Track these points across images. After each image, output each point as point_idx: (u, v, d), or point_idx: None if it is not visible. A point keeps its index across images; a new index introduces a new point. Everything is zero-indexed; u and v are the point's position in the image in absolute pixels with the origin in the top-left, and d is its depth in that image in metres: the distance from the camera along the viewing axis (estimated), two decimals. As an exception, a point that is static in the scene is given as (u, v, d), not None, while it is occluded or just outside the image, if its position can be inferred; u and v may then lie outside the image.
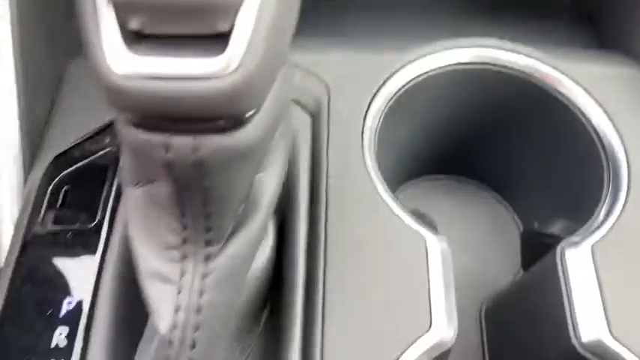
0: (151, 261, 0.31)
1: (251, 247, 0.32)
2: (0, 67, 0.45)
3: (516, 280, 0.51)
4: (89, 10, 0.24)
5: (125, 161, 0.31)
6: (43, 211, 0.43)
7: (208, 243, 0.30)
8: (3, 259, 0.44)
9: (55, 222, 0.42)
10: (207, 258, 0.31)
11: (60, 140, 0.48)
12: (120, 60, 0.24)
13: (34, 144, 0.47)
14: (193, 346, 0.31)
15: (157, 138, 0.26)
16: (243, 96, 0.25)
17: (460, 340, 0.49)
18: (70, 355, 0.37)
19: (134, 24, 0.24)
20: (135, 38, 0.24)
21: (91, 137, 0.47)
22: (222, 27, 0.24)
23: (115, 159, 0.45)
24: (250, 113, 0.27)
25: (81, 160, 0.45)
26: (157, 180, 0.29)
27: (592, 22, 0.64)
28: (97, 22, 0.24)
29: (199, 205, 0.29)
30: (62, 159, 0.46)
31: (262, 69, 0.25)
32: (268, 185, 0.32)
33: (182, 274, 0.31)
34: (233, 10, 0.23)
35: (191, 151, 0.26)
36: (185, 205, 0.29)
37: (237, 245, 0.31)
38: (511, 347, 0.49)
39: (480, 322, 0.54)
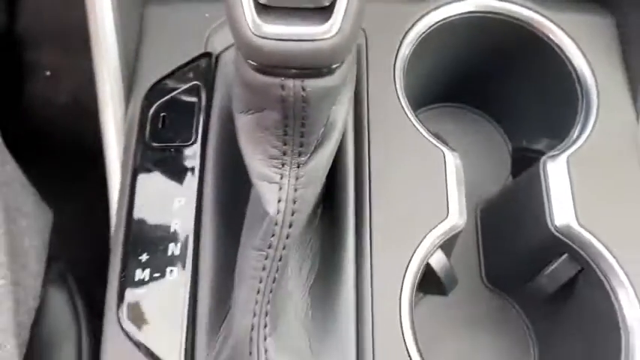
0: (259, 168, 0.44)
1: (328, 158, 0.45)
2: (103, 18, 0.56)
3: (507, 186, 0.65)
4: None
5: (239, 95, 0.43)
6: (147, 133, 0.55)
7: (300, 155, 0.43)
8: (116, 175, 0.57)
9: (159, 141, 0.55)
10: (299, 166, 0.43)
11: (148, 75, 0.59)
12: (255, 25, 0.35)
13: (129, 78, 0.59)
14: (290, 225, 0.44)
15: (274, 80, 0.38)
16: (338, 53, 0.37)
17: (461, 236, 0.63)
18: (189, 236, 0.51)
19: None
20: (264, 9, 0.36)
21: (173, 73, 0.59)
22: (326, 2, 0.35)
23: (198, 90, 0.57)
24: (336, 65, 0.39)
25: (171, 92, 0.57)
26: (266, 109, 0.41)
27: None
28: None
29: (298, 127, 0.41)
30: (155, 90, 0.57)
31: (352, 34, 0.36)
32: (340, 114, 0.45)
33: (282, 177, 0.43)
34: None
35: (300, 89, 0.38)
36: (287, 127, 0.41)
37: (319, 156, 0.44)
38: (500, 237, 0.64)
39: (476, 219, 0.68)
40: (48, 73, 1.47)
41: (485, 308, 0.64)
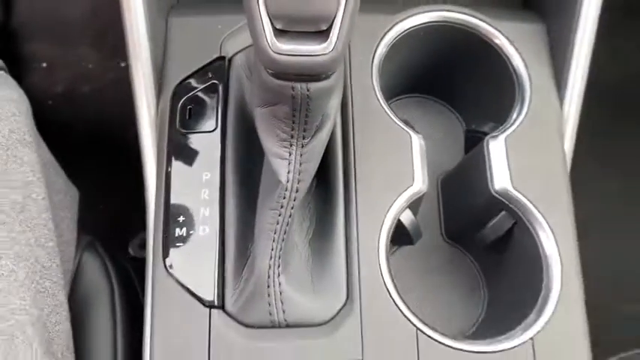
0: (272, 148, 0.57)
1: (324, 140, 0.59)
2: (138, 29, 0.69)
3: (460, 162, 0.80)
4: (256, 17, 0.47)
5: (257, 93, 0.56)
6: (177, 122, 0.69)
7: (304, 138, 0.56)
8: (150, 157, 0.70)
9: (188, 128, 0.69)
10: (303, 146, 0.56)
11: (174, 76, 0.71)
12: (273, 44, 0.48)
13: (159, 77, 0.72)
14: (297, 190, 0.58)
15: (287, 84, 0.51)
16: (333, 64, 0.51)
17: (425, 200, 0.78)
18: (215, 202, 0.65)
19: (279, 25, 0.47)
20: (279, 32, 0.49)
21: (195, 73, 0.72)
22: (325, 27, 0.48)
23: (216, 87, 0.70)
24: (332, 72, 0.53)
25: (194, 89, 0.70)
26: (279, 104, 0.54)
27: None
28: (261, 24, 0.47)
29: (303, 117, 0.54)
30: (181, 88, 0.70)
31: (343, 50, 0.50)
32: (333, 106, 0.58)
33: (290, 154, 0.56)
34: (331, 18, 0.47)
35: (305, 90, 0.52)
36: (295, 117, 0.54)
37: (317, 139, 0.57)
38: (455, 201, 0.78)
39: (437, 188, 0.82)
40: (44, 64, 1.57)
41: (444, 258, 0.78)
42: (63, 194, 0.87)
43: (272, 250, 0.59)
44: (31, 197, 0.72)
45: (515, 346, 0.61)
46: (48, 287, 0.70)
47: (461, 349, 0.60)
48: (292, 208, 0.58)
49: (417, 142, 0.69)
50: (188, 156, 0.67)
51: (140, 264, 0.70)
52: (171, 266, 0.63)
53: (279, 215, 0.58)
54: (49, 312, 0.69)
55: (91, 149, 1.46)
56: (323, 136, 0.58)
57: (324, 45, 0.48)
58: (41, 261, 0.70)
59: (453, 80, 0.83)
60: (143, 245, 0.80)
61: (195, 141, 0.68)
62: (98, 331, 0.81)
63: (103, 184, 1.36)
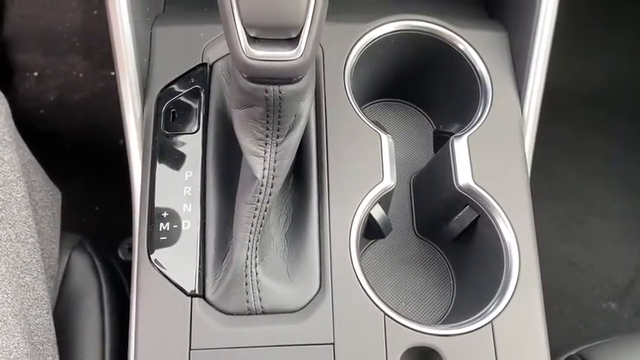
0: (248, 146, 0.61)
1: (297, 139, 0.62)
2: (124, 38, 0.73)
3: (430, 161, 0.84)
4: (231, 26, 0.52)
5: (234, 95, 0.61)
6: (162, 124, 0.73)
7: (278, 137, 0.60)
8: (136, 158, 0.74)
9: (171, 130, 0.73)
10: (277, 144, 0.61)
11: (159, 81, 0.76)
12: (247, 51, 0.53)
13: (144, 83, 0.76)
14: (272, 186, 0.62)
15: (260, 86, 0.56)
16: (302, 68, 0.55)
17: (398, 199, 0.83)
18: (197, 199, 0.69)
19: (252, 33, 0.52)
20: (253, 40, 0.53)
21: (178, 79, 0.77)
22: (294, 35, 0.53)
23: (198, 92, 0.75)
24: (302, 75, 0.58)
25: (178, 93, 0.75)
26: (254, 105, 0.59)
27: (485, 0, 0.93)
28: (236, 32, 0.52)
29: (276, 118, 0.59)
30: (165, 92, 0.75)
31: (312, 55, 0.55)
32: (305, 108, 0.62)
33: (265, 152, 0.61)
34: (299, 27, 0.52)
35: (278, 92, 0.56)
36: (269, 118, 0.59)
37: (291, 138, 0.61)
38: (425, 198, 0.83)
39: (410, 186, 0.87)
40: (35, 73, 1.62)
41: (416, 252, 0.83)
42: (44, 193, 0.90)
43: (249, 241, 0.64)
44: (11, 195, 0.76)
45: (475, 329, 0.65)
46: (28, 282, 0.74)
47: (425, 332, 0.65)
48: (268, 202, 0.63)
49: (386, 141, 0.74)
50: (172, 156, 0.72)
51: (129, 266, 0.74)
52: (155, 259, 0.67)
53: (256, 209, 0.63)
54: (30, 305, 0.73)
55: (82, 155, 1.50)
56: (296, 136, 0.62)
57: (294, 51, 0.53)
58: (22, 256, 0.74)
59: (423, 84, 0.87)
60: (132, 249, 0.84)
61: (178, 142, 0.72)
62: (86, 328, 0.85)
63: (93, 189, 1.40)
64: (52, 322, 0.78)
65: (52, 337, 0.77)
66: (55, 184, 0.99)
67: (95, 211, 1.40)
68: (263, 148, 0.61)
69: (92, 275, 0.90)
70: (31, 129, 1.51)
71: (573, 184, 1.51)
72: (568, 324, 1.38)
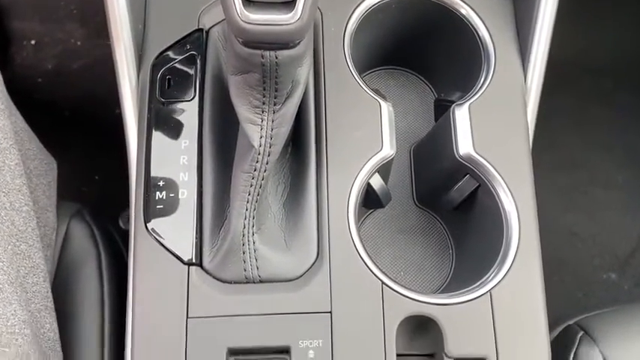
0: (245, 114, 0.60)
1: (295, 106, 0.61)
2: (118, 5, 0.71)
3: (430, 130, 0.83)
4: None
5: (230, 61, 0.60)
6: (157, 92, 0.72)
7: (275, 104, 0.59)
8: (132, 125, 0.73)
9: (167, 97, 0.72)
10: (274, 112, 0.60)
11: (154, 48, 0.75)
12: (243, 15, 0.52)
13: (139, 50, 0.75)
14: (269, 154, 0.61)
15: (256, 52, 0.55)
16: (299, 33, 0.54)
17: (398, 168, 0.82)
18: (194, 167, 0.69)
19: None
20: (248, 3, 0.52)
21: (174, 45, 0.75)
22: None
23: (194, 58, 0.74)
24: (299, 40, 0.56)
25: (174, 60, 0.73)
26: (250, 72, 0.57)
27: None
28: None
29: (273, 84, 0.58)
30: (160, 59, 0.73)
31: (309, 19, 0.53)
32: (303, 74, 0.61)
33: (262, 120, 0.60)
34: None
35: (274, 58, 0.55)
36: (265, 84, 0.58)
37: (288, 105, 0.60)
38: (426, 167, 0.82)
39: (410, 156, 0.86)
40: (33, 42, 1.60)
41: (415, 222, 0.82)
42: (38, 161, 0.90)
43: (246, 210, 0.63)
44: (4, 163, 0.75)
45: (474, 299, 0.65)
46: (24, 250, 0.74)
47: (422, 301, 0.64)
48: (265, 171, 0.62)
49: (386, 109, 0.72)
50: (168, 124, 0.71)
51: (128, 235, 0.74)
52: (152, 228, 0.67)
53: (253, 178, 0.62)
54: (26, 273, 0.73)
55: (81, 124, 1.49)
56: (294, 103, 0.61)
57: (291, 14, 0.51)
58: (17, 224, 0.74)
59: (424, 51, 0.86)
60: (130, 218, 0.84)
61: (174, 110, 0.71)
62: (85, 296, 0.85)
63: (93, 158, 1.40)
64: (49, 289, 0.78)
65: (50, 304, 0.78)
66: (54, 153, 0.98)
67: (95, 180, 1.40)
68: (260, 116, 0.60)
69: (91, 244, 0.90)
70: (29, 97, 1.51)
71: (577, 155, 1.50)
72: (568, 294, 1.39)
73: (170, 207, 0.68)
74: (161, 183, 0.68)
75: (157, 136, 0.70)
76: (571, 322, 0.88)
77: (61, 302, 0.82)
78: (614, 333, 0.84)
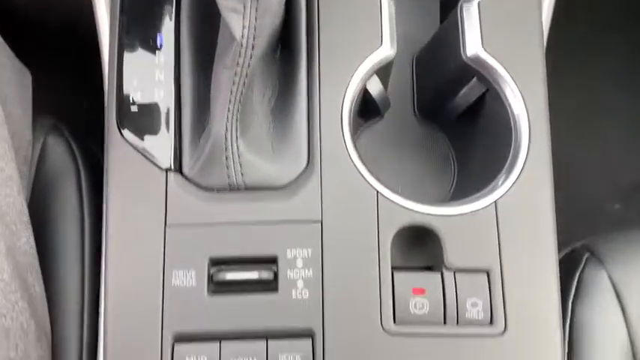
0: (226, 2, 0.54)
1: None
2: None
3: (435, 33, 0.76)
4: None
5: None
6: None
7: None
8: (105, 19, 0.66)
9: None
10: (258, 1, 0.54)
11: None
12: None
13: None
14: (253, 47, 0.55)
15: None
16: None
17: (399, 79, 0.75)
18: (170, 66, 0.62)
19: None
20: None
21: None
22: None
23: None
24: None
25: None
26: None
27: None
28: None
29: None
30: None
31: None
32: None
33: (245, 8, 0.54)
34: None
35: None
36: None
37: None
38: (428, 75, 0.75)
39: (412, 66, 0.80)
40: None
41: (415, 134, 0.77)
42: (9, 71, 0.83)
43: (229, 111, 0.57)
44: None
45: (477, 210, 0.60)
46: None
47: (422, 212, 0.59)
48: (249, 66, 0.56)
49: (386, 3, 0.65)
50: (142, 19, 0.63)
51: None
52: (126, 135, 0.61)
53: (235, 75, 0.56)
54: None
55: (51, 31, 1.39)
56: None
57: None
58: None
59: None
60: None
61: (149, 3, 0.64)
62: (65, 211, 0.81)
63: (69, 69, 1.31)
64: (24, 203, 0.74)
65: (26, 218, 0.73)
66: (27, 64, 0.91)
67: (72, 91, 1.32)
68: (242, 3, 0.53)
69: (69, 159, 0.85)
70: (12, 11, 1.41)
71: (583, 82, 1.44)
72: (571, 222, 1.35)
73: (146, 113, 0.61)
74: (135, 82, 0.62)
75: (130, 32, 0.63)
76: (577, 244, 0.84)
77: (40, 218, 0.78)
78: (622, 255, 0.79)
